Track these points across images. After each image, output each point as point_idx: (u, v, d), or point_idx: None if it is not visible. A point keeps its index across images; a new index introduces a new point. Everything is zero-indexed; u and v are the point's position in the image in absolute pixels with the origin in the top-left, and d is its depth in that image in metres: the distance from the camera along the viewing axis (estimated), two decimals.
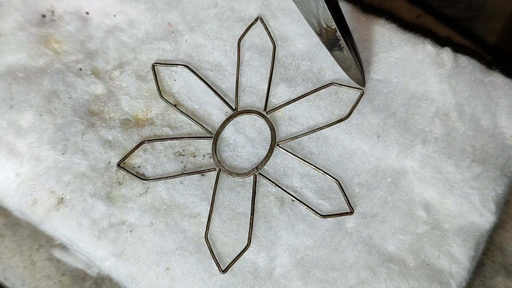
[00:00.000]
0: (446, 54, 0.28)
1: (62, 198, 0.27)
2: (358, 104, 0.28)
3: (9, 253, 0.29)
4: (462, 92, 0.28)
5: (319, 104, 0.29)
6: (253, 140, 0.28)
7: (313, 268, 0.25)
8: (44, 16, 0.31)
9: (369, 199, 0.26)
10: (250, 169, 0.27)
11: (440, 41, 0.29)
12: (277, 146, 0.28)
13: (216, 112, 0.29)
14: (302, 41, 0.30)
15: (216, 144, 0.28)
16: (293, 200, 0.26)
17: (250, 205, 0.26)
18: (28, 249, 0.29)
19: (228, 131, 0.29)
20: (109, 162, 0.28)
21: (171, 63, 0.30)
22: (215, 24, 0.31)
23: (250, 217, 0.26)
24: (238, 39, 0.30)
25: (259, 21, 0.30)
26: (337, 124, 0.28)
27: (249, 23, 0.31)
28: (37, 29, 0.31)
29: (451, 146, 0.27)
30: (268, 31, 0.30)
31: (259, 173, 0.27)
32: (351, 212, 0.26)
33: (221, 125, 0.29)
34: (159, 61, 0.30)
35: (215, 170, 0.27)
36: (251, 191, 0.27)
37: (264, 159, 0.27)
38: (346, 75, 0.29)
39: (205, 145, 0.28)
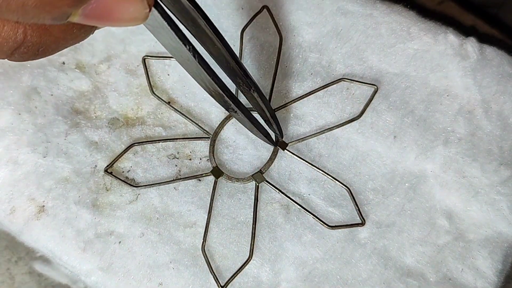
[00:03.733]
0: (471, 45, 0.28)
1: (43, 205, 0.27)
2: (372, 101, 0.28)
3: None
4: (489, 87, 0.28)
5: (329, 101, 0.28)
6: (256, 141, 0.28)
7: (322, 283, 0.25)
8: None
9: (384, 206, 0.26)
10: (252, 174, 0.27)
11: (464, 31, 0.29)
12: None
13: (214, 110, 0.29)
14: (309, 31, 0.29)
15: (214, 146, 0.28)
16: (299, 208, 0.26)
17: (252, 214, 0.26)
18: (5, 262, 0.29)
19: (227, 131, 0.29)
20: (95, 166, 0.28)
21: (164, 55, 0.30)
22: (213, 12, 0.30)
23: (252, 226, 0.26)
24: (239, 29, 0.30)
25: (264, 10, 0.30)
26: (349, 124, 0.27)
27: (250, 11, 0.30)
28: None
29: (476, 148, 0.27)
30: (275, 22, 0.29)
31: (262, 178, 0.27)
32: (363, 224, 0.26)
33: (219, 124, 0.28)
34: (151, 53, 0.30)
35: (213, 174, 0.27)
36: (253, 197, 0.27)
37: (267, 162, 0.27)
38: (358, 69, 0.29)
39: (202, 147, 0.28)
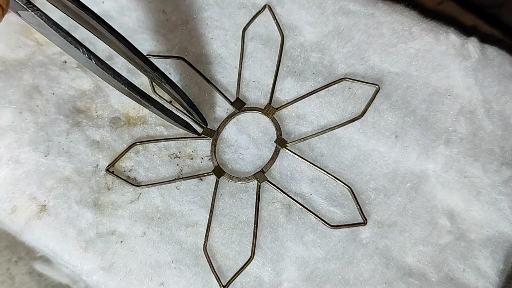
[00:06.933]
0: (472, 45, 0.28)
1: (45, 205, 0.27)
2: (374, 100, 0.28)
3: None
4: (490, 87, 0.28)
5: (330, 101, 0.28)
6: (257, 141, 0.28)
7: (324, 283, 0.25)
8: None
9: (386, 206, 0.26)
10: (254, 173, 0.27)
11: (465, 30, 0.29)
12: (284, 148, 0.28)
13: (215, 109, 0.29)
14: (311, 30, 0.30)
15: (215, 145, 0.28)
16: (301, 208, 0.27)
17: (254, 213, 0.26)
18: (5, 261, 0.29)
19: (229, 131, 0.29)
20: (97, 165, 0.28)
21: (166, 55, 0.30)
22: (215, 11, 0.31)
23: (254, 226, 0.26)
24: (241, 28, 0.30)
25: (266, 9, 0.30)
26: (351, 123, 0.28)
27: (252, 10, 0.30)
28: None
29: (478, 147, 0.27)
30: (277, 21, 0.30)
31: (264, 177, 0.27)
32: (364, 223, 0.26)
33: (221, 124, 0.29)
34: (153, 52, 0.30)
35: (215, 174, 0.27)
36: (255, 197, 0.27)
37: (269, 161, 0.27)
38: (360, 68, 0.29)
39: (204, 146, 0.28)
